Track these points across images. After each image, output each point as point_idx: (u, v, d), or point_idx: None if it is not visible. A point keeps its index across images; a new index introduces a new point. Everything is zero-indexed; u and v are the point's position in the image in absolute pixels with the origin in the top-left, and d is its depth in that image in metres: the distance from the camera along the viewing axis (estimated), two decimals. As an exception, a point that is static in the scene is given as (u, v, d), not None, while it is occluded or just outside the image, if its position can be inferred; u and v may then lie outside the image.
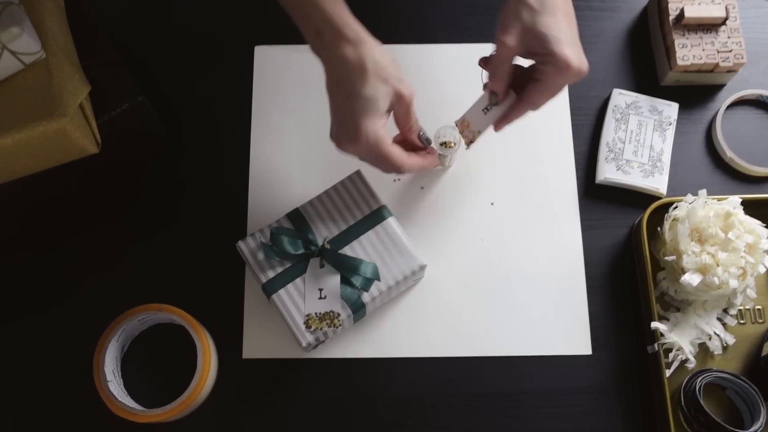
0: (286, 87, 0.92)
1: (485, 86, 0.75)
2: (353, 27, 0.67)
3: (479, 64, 0.75)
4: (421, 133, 0.76)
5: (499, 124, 0.76)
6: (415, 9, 0.95)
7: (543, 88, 0.71)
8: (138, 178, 0.88)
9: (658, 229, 0.83)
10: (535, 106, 0.73)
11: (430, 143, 0.78)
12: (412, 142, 0.76)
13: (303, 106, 0.91)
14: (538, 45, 0.68)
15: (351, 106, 0.67)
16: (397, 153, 0.71)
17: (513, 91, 0.74)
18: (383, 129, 0.69)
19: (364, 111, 0.67)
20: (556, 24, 0.68)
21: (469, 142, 0.79)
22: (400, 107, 0.70)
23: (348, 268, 0.76)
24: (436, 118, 0.82)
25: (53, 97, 0.69)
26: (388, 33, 0.92)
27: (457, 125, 0.78)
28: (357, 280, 0.76)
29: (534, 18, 0.68)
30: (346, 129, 0.68)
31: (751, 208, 0.81)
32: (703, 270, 0.77)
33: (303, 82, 0.92)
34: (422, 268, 0.79)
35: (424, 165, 0.77)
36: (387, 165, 0.71)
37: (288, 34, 0.93)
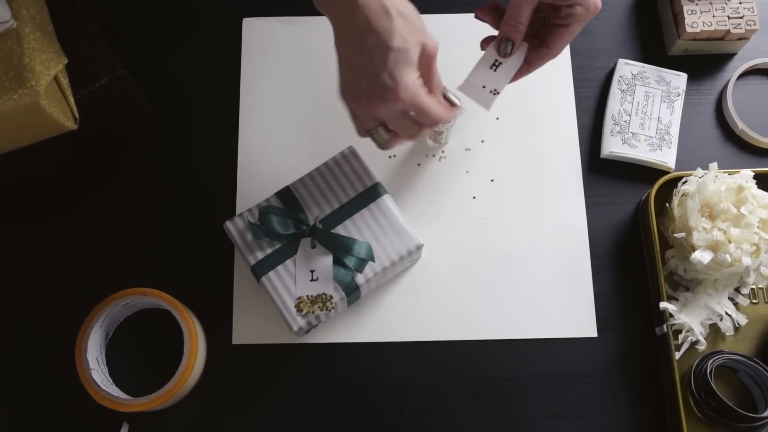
0: (276, 61, 0.88)
1: (485, 43, 0.71)
2: None
3: (482, 47, 0.71)
4: (446, 93, 0.70)
5: (517, 77, 0.72)
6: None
7: (571, 33, 0.68)
8: (121, 157, 0.85)
9: (667, 205, 0.79)
10: (557, 52, 0.70)
11: (456, 104, 0.71)
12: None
13: (293, 80, 0.87)
14: None
15: (382, 59, 0.60)
16: (435, 102, 0.65)
17: (524, 42, 0.70)
18: (419, 80, 0.64)
19: (398, 62, 0.61)
20: None
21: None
22: (423, 61, 0.64)
23: (341, 249, 0.73)
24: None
25: (24, 69, 0.65)
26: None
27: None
28: (350, 261, 0.73)
29: None
30: (379, 85, 0.61)
31: (764, 182, 0.78)
32: (714, 247, 0.74)
33: (293, 56, 0.88)
34: (419, 247, 0.75)
35: (451, 117, 0.70)
36: (427, 117, 0.64)
37: (276, 5, 0.90)
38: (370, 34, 0.60)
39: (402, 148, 0.85)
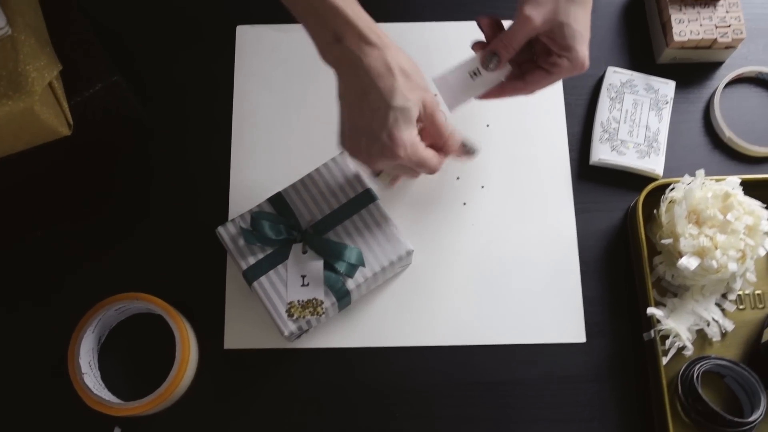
0: (269, 68, 0.89)
1: (477, 46, 0.72)
2: (377, 31, 0.63)
3: (473, 48, 0.73)
4: (464, 143, 0.72)
5: (486, 96, 0.74)
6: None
7: (550, 80, 0.71)
8: (114, 162, 0.85)
9: (655, 211, 0.80)
10: (532, 92, 0.72)
11: (476, 151, 0.74)
12: (448, 151, 0.71)
13: (286, 87, 0.88)
14: (561, 35, 0.67)
15: (382, 118, 0.62)
16: (432, 155, 0.68)
17: (507, 63, 0.71)
18: (417, 137, 0.66)
19: (398, 121, 0.63)
20: (583, 18, 0.67)
21: None
22: (426, 116, 0.66)
23: (332, 254, 0.74)
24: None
25: (19, 75, 0.66)
26: (374, 11, 0.88)
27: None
28: (341, 266, 0.73)
29: (570, 7, 0.66)
30: (380, 143, 0.63)
31: (750, 189, 0.78)
32: (701, 253, 0.75)
33: (286, 63, 0.89)
34: (409, 253, 0.76)
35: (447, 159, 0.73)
36: (425, 169, 0.68)
37: (270, 13, 0.91)
38: (372, 93, 0.62)
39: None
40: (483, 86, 0.72)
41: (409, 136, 0.64)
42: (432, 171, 0.68)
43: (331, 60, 0.64)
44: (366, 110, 0.63)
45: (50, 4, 0.75)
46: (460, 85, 0.72)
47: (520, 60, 0.73)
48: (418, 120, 0.66)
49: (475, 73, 0.71)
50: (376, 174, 0.72)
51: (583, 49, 0.68)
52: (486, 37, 0.73)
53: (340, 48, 0.63)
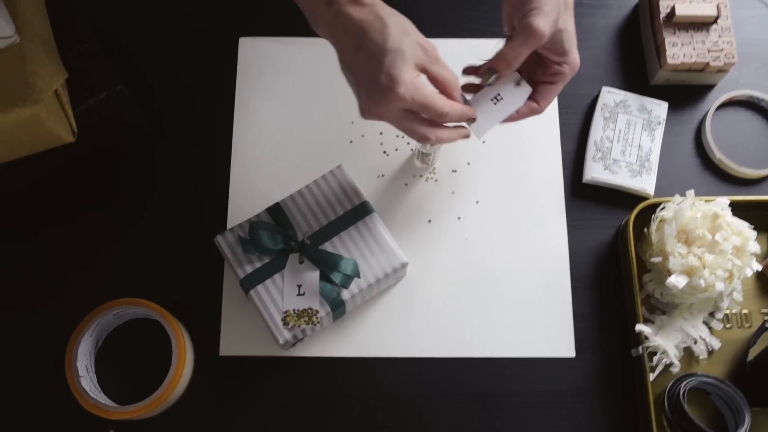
0: (270, 80, 0.90)
1: (468, 71, 0.72)
2: None
3: (463, 72, 0.72)
4: (462, 93, 0.70)
5: (507, 120, 0.73)
6: (404, 4, 0.93)
7: (556, 90, 0.71)
8: (116, 170, 0.86)
9: (645, 230, 0.82)
10: (544, 108, 0.73)
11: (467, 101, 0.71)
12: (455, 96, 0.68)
13: (287, 100, 0.89)
14: (559, 42, 0.68)
15: (378, 63, 0.62)
16: (438, 95, 0.65)
17: (527, 83, 0.71)
18: (418, 77, 0.64)
19: (394, 62, 0.62)
20: (572, 22, 0.68)
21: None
22: (429, 60, 0.65)
23: (328, 265, 0.75)
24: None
25: (26, 83, 0.67)
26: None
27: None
28: (337, 277, 0.75)
29: (565, 14, 0.67)
30: (378, 87, 0.62)
31: (739, 210, 0.80)
32: (689, 272, 0.76)
33: (287, 75, 0.90)
34: (404, 265, 0.77)
35: (466, 114, 0.69)
36: (431, 111, 0.64)
37: (273, 26, 0.92)
38: (366, 43, 0.62)
39: (390, 168, 0.87)
40: (506, 110, 0.71)
41: (408, 75, 0.62)
42: (439, 114, 0.65)
43: (325, 29, 0.65)
44: (364, 62, 0.63)
45: (57, 14, 0.76)
46: (483, 112, 0.71)
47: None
48: (420, 68, 0.64)
49: (496, 99, 0.71)
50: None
51: (576, 53, 0.70)
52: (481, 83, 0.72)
53: (331, 12, 0.63)
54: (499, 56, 0.69)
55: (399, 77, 0.62)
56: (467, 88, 0.73)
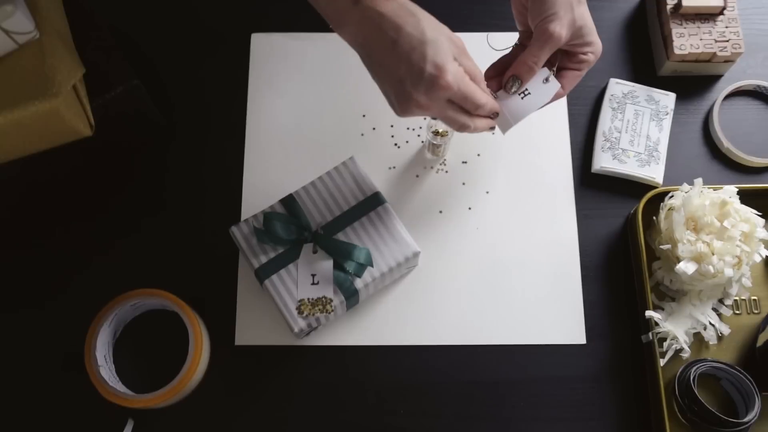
0: (283, 74, 0.92)
1: (489, 72, 0.72)
2: None
3: (486, 76, 0.72)
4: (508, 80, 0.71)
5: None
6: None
7: (580, 76, 0.73)
8: (132, 163, 0.88)
9: (654, 218, 0.83)
10: (567, 92, 0.74)
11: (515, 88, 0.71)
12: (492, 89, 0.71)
13: (298, 93, 0.91)
14: (581, 36, 0.70)
15: (421, 54, 0.62)
16: (478, 88, 0.67)
17: (555, 79, 0.72)
18: (460, 68, 0.65)
19: (437, 51, 0.62)
20: (588, 13, 0.70)
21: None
22: (458, 52, 0.65)
23: (341, 254, 0.76)
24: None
25: (46, 78, 0.69)
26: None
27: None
28: (350, 266, 0.76)
29: (580, 9, 0.69)
30: (425, 77, 0.62)
31: (747, 198, 0.81)
32: (698, 259, 0.77)
33: (299, 70, 0.92)
34: (416, 254, 0.78)
35: (494, 108, 0.69)
36: (472, 102, 0.66)
37: (285, 22, 0.94)
38: (402, 36, 0.62)
39: (401, 160, 0.88)
40: (533, 105, 0.72)
41: (451, 64, 0.63)
42: (477, 106, 0.66)
43: (351, 29, 0.64)
44: (402, 55, 0.62)
45: (75, 11, 0.78)
46: (510, 107, 0.72)
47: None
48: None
49: (524, 93, 0.72)
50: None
51: (598, 38, 0.71)
52: (494, 89, 0.72)
53: (358, 10, 0.63)
54: (520, 62, 0.70)
55: (445, 66, 0.62)
56: (488, 72, 0.74)
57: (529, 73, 0.70)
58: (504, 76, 0.71)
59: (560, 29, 0.67)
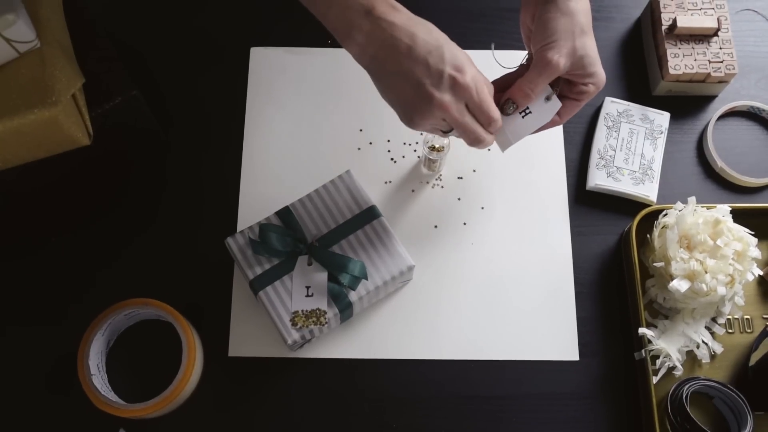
0: (281, 88, 0.92)
1: (504, 100, 0.71)
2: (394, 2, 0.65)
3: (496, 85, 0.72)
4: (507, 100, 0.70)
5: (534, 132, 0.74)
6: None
7: (579, 106, 0.73)
8: (129, 173, 0.88)
9: (648, 236, 0.83)
10: (564, 121, 0.74)
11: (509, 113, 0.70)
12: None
13: (296, 107, 0.91)
14: (582, 66, 0.69)
15: (439, 56, 0.62)
16: (492, 101, 0.67)
17: (557, 99, 0.72)
18: (479, 73, 0.65)
19: (455, 54, 0.63)
20: (593, 44, 0.69)
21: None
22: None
23: (336, 266, 0.76)
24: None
25: (46, 87, 0.69)
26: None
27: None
28: (345, 279, 0.76)
29: (582, 40, 0.68)
30: (445, 78, 0.63)
31: (740, 217, 0.81)
32: (691, 277, 0.77)
33: (297, 84, 0.92)
34: (410, 268, 0.79)
35: (500, 125, 0.69)
36: (486, 114, 0.66)
37: (284, 36, 0.94)
38: (419, 40, 0.63)
39: (397, 175, 0.88)
40: (534, 125, 0.72)
41: (470, 66, 0.64)
42: (493, 121, 0.66)
43: (361, 40, 0.64)
44: (419, 58, 0.62)
45: (76, 22, 0.79)
46: (511, 126, 0.71)
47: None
48: None
49: (525, 112, 0.71)
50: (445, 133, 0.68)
51: (601, 70, 0.70)
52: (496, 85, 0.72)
53: (369, 21, 0.63)
54: (516, 88, 0.69)
55: (464, 67, 0.63)
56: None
57: (525, 99, 0.69)
58: (502, 96, 0.71)
59: (558, 57, 0.66)
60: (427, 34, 0.63)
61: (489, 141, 0.69)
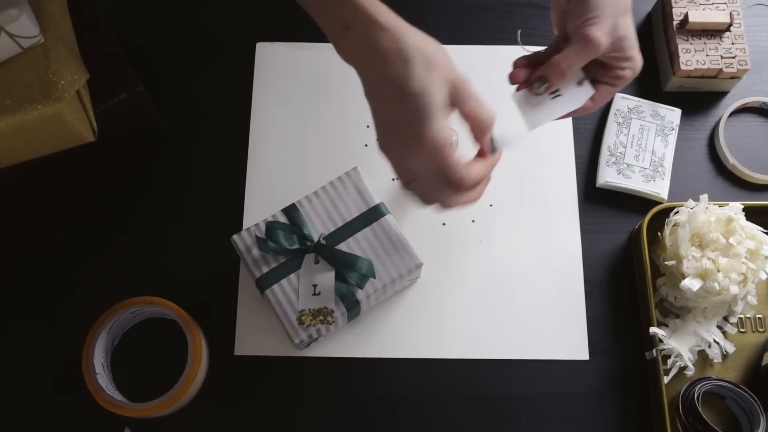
0: (286, 84, 0.91)
1: (519, 62, 0.67)
2: (386, 14, 0.57)
3: (514, 64, 0.68)
4: (492, 137, 0.62)
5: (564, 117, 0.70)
6: (417, 10, 0.95)
7: (614, 92, 0.68)
8: (135, 169, 0.88)
9: (659, 234, 0.82)
10: (598, 107, 0.70)
11: (496, 150, 0.63)
12: (484, 144, 0.62)
13: (302, 104, 0.90)
14: (621, 48, 0.64)
15: (402, 108, 0.55)
16: (462, 167, 0.58)
17: (590, 84, 0.67)
18: (446, 130, 0.57)
19: (419, 110, 0.55)
20: (632, 25, 0.65)
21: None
22: (462, 96, 0.58)
23: (343, 265, 0.75)
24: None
25: (50, 82, 0.68)
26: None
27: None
28: (352, 277, 0.75)
29: (625, 19, 0.63)
30: (402, 137, 0.57)
31: (753, 215, 0.80)
32: (703, 275, 0.76)
33: (303, 80, 0.91)
34: (419, 266, 0.78)
35: (484, 176, 0.62)
36: (448, 178, 0.58)
37: (290, 31, 0.94)
38: (387, 80, 0.56)
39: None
40: (563, 108, 0.68)
41: (431, 127, 0.55)
42: (459, 185, 0.58)
43: (345, 55, 0.59)
44: (387, 101, 0.57)
45: (80, 17, 0.78)
46: (540, 104, 0.67)
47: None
48: (451, 105, 0.58)
49: (555, 94, 0.67)
50: (407, 184, 0.62)
51: (639, 54, 0.66)
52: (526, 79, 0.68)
53: (348, 38, 0.57)
54: (552, 65, 0.64)
55: (420, 131, 0.56)
56: (519, 61, 0.68)
57: (560, 78, 0.64)
58: (534, 73, 0.66)
59: (600, 35, 0.61)
60: (401, 71, 0.55)
61: (455, 204, 0.62)
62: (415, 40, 0.56)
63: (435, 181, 0.59)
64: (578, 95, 0.67)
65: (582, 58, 0.63)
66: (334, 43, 0.60)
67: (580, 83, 0.67)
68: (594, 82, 0.68)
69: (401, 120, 0.56)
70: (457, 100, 0.58)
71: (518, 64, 0.68)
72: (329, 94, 0.91)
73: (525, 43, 0.70)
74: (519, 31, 0.70)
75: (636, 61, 0.66)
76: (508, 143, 0.63)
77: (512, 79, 0.68)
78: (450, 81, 0.57)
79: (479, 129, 0.60)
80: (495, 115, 0.60)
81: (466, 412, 0.79)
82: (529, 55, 0.69)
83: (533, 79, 0.66)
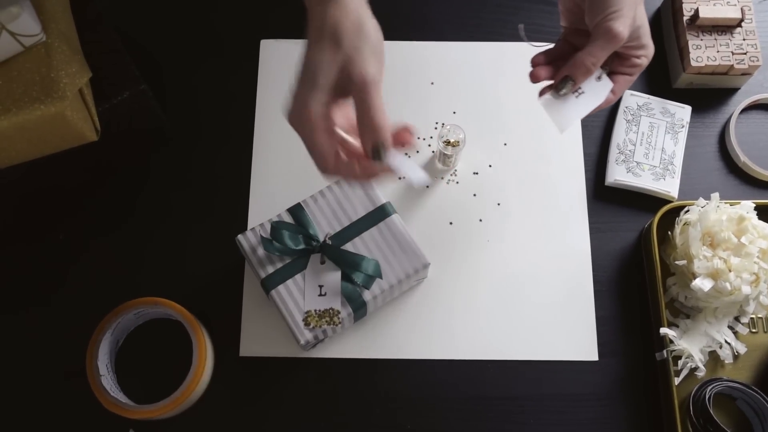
0: (291, 81, 0.90)
1: (538, 59, 0.68)
2: None
3: (532, 62, 0.68)
4: (374, 145, 0.58)
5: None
6: (423, 6, 0.94)
7: (632, 80, 0.69)
8: (138, 169, 0.87)
9: (669, 233, 0.81)
10: (617, 98, 0.71)
11: (380, 159, 0.59)
12: (363, 147, 0.60)
13: (308, 101, 0.89)
14: (638, 37, 0.66)
15: (297, 72, 0.58)
16: (326, 146, 0.58)
17: (608, 78, 0.68)
18: (320, 107, 0.57)
19: (301, 78, 0.57)
20: (645, 13, 0.66)
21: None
22: (355, 91, 0.57)
23: (349, 265, 0.75)
24: (441, 117, 0.79)
25: (52, 81, 0.68)
26: (396, 30, 0.91)
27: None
28: (358, 277, 0.74)
29: (640, 9, 0.65)
30: (288, 100, 0.59)
31: (765, 214, 0.79)
32: (714, 275, 0.75)
33: (308, 77, 0.90)
34: (426, 266, 0.77)
35: (356, 177, 0.60)
36: (312, 153, 0.59)
37: (294, 28, 0.92)
38: (310, 45, 0.58)
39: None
40: (588, 105, 0.69)
41: (303, 98, 0.57)
42: (316, 161, 0.59)
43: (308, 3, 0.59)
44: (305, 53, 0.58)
45: (81, 15, 0.77)
46: (565, 105, 0.68)
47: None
48: (343, 94, 0.58)
49: (578, 92, 0.68)
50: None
51: (651, 41, 0.67)
52: (548, 76, 0.68)
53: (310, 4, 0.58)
54: (577, 63, 0.65)
55: (294, 98, 0.58)
56: (537, 59, 0.69)
57: (586, 74, 0.66)
58: (556, 76, 0.67)
59: (623, 28, 0.62)
60: (308, 44, 0.57)
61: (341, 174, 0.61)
62: (345, 17, 0.56)
63: (307, 148, 0.60)
64: (600, 90, 0.68)
65: (606, 52, 0.64)
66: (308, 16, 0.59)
67: (599, 78, 0.68)
68: (610, 74, 0.69)
69: (295, 84, 0.58)
70: (352, 91, 0.57)
71: (537, 61, 0.69)
72: (334, 92, 0.90)
73: (531, 39, 0.70)
74: (520, 26, 0.70)
75: (650, 48, 0.68)
76: (401, 166, 0.60)
77: (533, 77, 0.68)
78: (344, 68, 0.56)
79: (359, 133, 0.59)
80: (385, 124, 0.58)
81: (475, 414, 0.78)
82: (545, 51, 0.69)
83: (557, 80, 0.67)
